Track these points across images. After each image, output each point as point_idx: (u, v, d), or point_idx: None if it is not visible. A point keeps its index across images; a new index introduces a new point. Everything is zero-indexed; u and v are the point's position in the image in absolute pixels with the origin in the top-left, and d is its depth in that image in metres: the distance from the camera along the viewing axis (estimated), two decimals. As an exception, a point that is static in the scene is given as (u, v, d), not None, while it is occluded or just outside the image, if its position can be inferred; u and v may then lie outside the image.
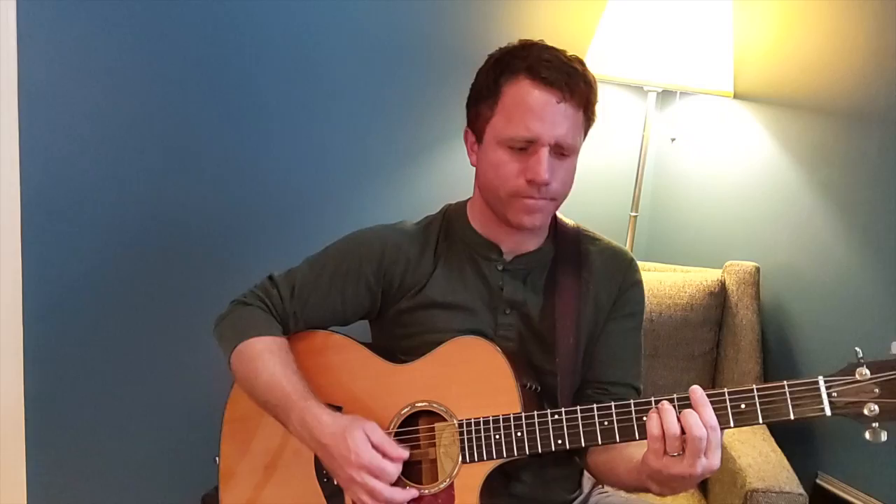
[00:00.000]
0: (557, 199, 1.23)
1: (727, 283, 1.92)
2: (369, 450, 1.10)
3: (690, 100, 2.16)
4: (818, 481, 1.80)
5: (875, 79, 1.74)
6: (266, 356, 1.23)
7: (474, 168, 1.28)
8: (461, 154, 1.27)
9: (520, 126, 1.16)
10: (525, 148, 1.17)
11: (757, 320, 1.89)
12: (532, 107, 1.16)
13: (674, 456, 1.01)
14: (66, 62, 1.73)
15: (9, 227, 1.72)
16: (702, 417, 1.00)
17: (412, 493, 1.15)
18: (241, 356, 1.25)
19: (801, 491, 1.52)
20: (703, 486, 1.83)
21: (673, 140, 2.16)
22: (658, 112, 2.09)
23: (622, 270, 1.31)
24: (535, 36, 1.23)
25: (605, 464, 1.22)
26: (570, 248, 1.30)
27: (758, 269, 1.92)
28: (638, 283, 1.32)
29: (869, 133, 1.76)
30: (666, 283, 1.91)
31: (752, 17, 1.98)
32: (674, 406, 1.03)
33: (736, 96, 2.00)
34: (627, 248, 2.07)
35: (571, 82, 1.16)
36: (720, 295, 1.91)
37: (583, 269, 1.28)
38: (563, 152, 1.19)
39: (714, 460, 1.00)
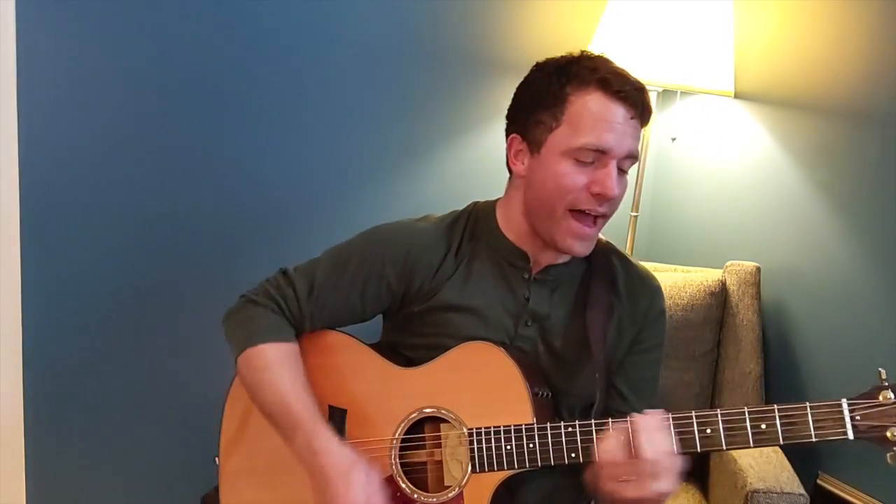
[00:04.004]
0: (608, 218, 1.20)
1: (728, 283, 1.92)
2: (363, 495, 1.09)
3: (691, 99, 2.16)
4: (819, 482, 1.79)
5: (876, 78, 1.73)
6: (276, 368, 1.19)
7: (518, 176, 1.22)
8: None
9: (591, 136, 1.12)
10: (593, 161, 1.14)
11: (757, 320, 1.89)
12: (606, 118, 1.12)
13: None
14: (65, 62, 1.72)
15: (8, 228, 1.72)
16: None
17: None
18: (250, 362, 1.21)
19: (802, 491, 1.52)
20: (704, 486, 1.83)
21: (673, 140, 2.16)
22: (658, 111, 2.08)
23: (649, 297, 1.27)
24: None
25: None
26: (602, 264, 1.26)
27: (758, 269, 1.91)
28: (663, 313, 1.29)
29: (870, 133, 1.76)
30: (666, 283, 1.90)
31: (753, 17, 1.98)
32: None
33: (737, 96, 1.99)
34: (627, 248, 2.08)
35: (643, 99, 1.15)
36: (721, 295, 1.90)
37: (613, 286, 1.25)
38: (624, 168, 1.17)
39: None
